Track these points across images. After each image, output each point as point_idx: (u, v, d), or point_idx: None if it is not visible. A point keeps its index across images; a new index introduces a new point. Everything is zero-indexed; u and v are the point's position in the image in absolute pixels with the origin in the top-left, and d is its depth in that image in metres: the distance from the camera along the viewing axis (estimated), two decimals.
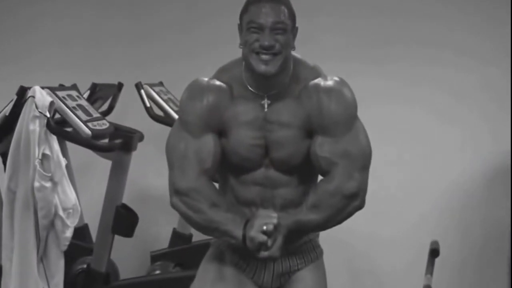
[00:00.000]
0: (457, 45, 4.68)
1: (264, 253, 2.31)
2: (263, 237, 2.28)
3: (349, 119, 2.39)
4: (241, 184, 2.47)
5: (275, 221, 2.29)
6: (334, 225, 2.43)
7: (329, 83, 2.40)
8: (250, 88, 2.40)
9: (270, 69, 2.32)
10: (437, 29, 4.71)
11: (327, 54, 4.34)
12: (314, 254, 2.61)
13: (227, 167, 2.48)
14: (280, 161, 2.43)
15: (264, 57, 2.31)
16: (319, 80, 2.40)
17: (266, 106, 2.40)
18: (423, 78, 4.73)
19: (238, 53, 2.44)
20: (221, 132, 2.44)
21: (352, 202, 2.39)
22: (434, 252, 3.44)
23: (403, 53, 4.73)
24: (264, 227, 2.28)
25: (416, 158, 4.78)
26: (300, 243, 2.55)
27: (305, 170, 2.46)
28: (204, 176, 2.38)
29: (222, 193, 2.49)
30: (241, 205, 2.48)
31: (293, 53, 2.44)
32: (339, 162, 2.36)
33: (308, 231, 2.47)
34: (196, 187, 2.37)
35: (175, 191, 2.40)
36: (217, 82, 2.42)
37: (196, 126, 2.40)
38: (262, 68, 2.32)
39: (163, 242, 4.75)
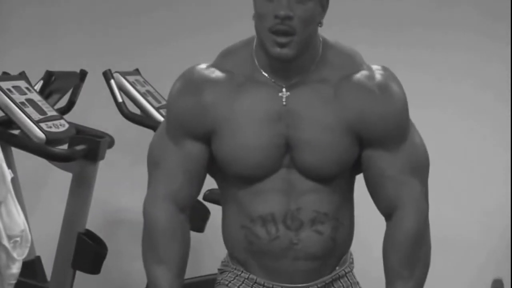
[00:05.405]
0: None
1: None
2: None
3: (405, 123, 2.28)
4: (253, 194, 2.32)
5: None
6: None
7: (378, 78, 2.26)
8: (264, 73, 2.25)
9: (287, 51, 2.17)
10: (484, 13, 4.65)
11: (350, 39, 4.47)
12: None
13: (231, 178, 2.33)
14: (307, 168, 2.28)
15: (280, 40, 2.16)
16: (362, 74, 2.26)
17: (284, 99, 2.24)
18: (465, 71, 4.65)
19: (239, 33, 2.31)
20: (218, 136, 2.29)
21: (428, 227, 2.30)
22: None
23: (440, 39, 4.69)
24: None
25: (464, 177, 4.67)
26: (332, 277, 2.37)
27: (341, 177, 2.32)
28: (182, 214, 2.29)
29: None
30: (254, 224, 2.32)
31: (324, 35, 2.27)
32: (408, 181, 2.26)
33: None
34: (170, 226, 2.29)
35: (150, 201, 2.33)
36: (217, 73, 2.28)
37: (179, 132, 2.29)
38: (277, 50, 2.17)
39: (139, 280, 4.27)
